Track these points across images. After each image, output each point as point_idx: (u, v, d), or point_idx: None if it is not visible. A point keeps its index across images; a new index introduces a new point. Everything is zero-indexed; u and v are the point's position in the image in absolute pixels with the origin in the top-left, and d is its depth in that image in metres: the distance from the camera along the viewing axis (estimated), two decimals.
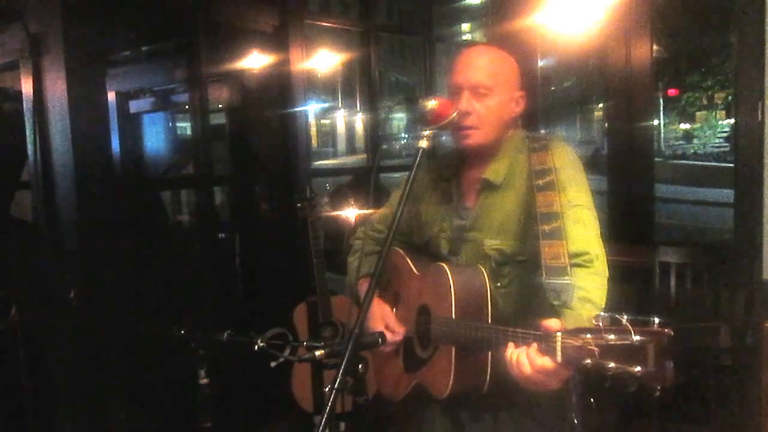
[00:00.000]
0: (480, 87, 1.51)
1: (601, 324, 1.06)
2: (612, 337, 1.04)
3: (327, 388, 1.18)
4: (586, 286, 1.34)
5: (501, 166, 1.57)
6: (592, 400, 1.28)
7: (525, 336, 1.25)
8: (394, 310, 1.72)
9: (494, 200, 1.56)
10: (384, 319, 1.65)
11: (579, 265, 1.37)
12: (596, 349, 1.05)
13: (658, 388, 1.01)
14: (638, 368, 1.01)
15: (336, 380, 1.18)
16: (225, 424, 1.88)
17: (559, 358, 1.15)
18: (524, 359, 1.23)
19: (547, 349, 1.18)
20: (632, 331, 1.03)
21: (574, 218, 1.41)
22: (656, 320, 1.04)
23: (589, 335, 1.08)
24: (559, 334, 1.15)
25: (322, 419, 1.15)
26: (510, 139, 1.59)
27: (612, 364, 1.03)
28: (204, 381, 1.78)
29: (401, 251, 1.73)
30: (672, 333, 1.02)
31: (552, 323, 1.19)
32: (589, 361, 1.06)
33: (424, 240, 1.69)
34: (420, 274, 1.65)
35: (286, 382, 2.93)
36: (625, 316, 1.05)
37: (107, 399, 2.69)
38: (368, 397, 1.37)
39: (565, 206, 1.41)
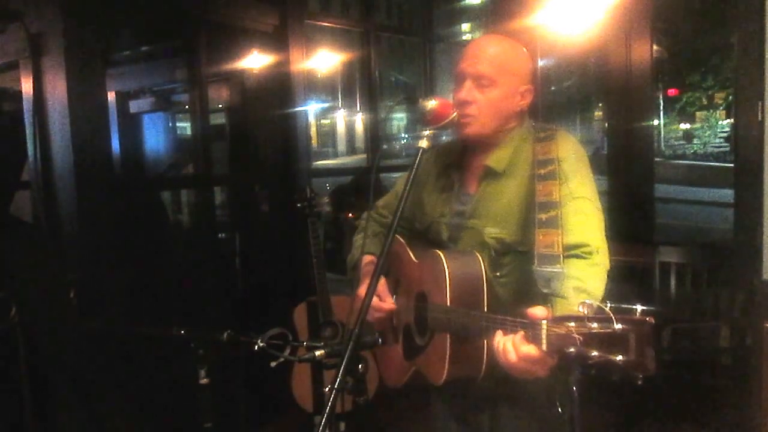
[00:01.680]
0: (483, 78, 1.49)
1: (586, 311, 1.06)
2: (595, 325, 1.04)
3: (327, 388, 1.18)
4: (583, 277, 1.32)
5: (504, 154, 1.55)
6: (574, 387, 1.27)
7: (513, 324, 1.24)
8: (394, 297, 1.72)
9: (496, 188, 1.54)
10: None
11: (577, 257, 1.36)
12: (579, 337, 1.05)
13: (640, 376, 1.01)
14: (620, 357, 1.01)
15: (336, 380, 1.17)
16: (225, 424, 1.88)
17: (544, 346, 1.14)
18: (510, 347, 1.22)
19: (533, 337, 1.18)
20: (614, 320, 1.02)
21: (575, 210, 1.40)
22: (639, 308, 1.03)
23: (572, 323, 1.07)
24: (544, 322, 1.14)
25: (322, 419, 1.15)
26: (516, 130, 1.57)
27: (595, 353, 1.03)
28: (204, 381, 1.78)
29: (400, 239, 1.72)
30: (653, 321, 1.01)
31: (537, 311, 1.18)
32: (572, 349, 1.06)
33: (425, 225, 1.68)
34: (418, 262, 1.64)
35: (286, 382, 2.93)
36: (609, 304, 1.04)
37: (107, 399, 2.69)
38: (368, 397, 1.37)
39: (566, 197, 1.39)
